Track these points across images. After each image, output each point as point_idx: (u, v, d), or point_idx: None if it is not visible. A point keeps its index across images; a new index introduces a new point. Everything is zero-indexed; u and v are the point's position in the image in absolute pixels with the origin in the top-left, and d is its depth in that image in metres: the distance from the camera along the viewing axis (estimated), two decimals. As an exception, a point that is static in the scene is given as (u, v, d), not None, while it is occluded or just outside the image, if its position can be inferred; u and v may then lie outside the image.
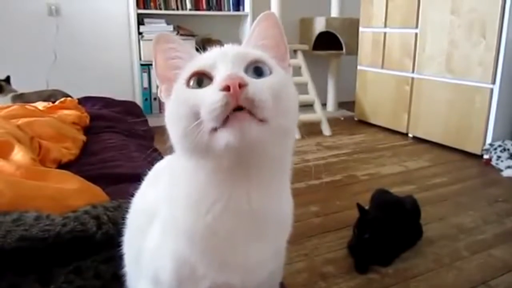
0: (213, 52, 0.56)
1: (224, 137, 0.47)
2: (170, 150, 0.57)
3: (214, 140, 0.48)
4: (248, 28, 3.77)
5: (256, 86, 0.48)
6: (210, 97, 0.48)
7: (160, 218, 0.62)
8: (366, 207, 1.68)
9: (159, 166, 0.80)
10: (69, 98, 2.06)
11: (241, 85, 0.47)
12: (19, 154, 1.23)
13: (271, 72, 0.53)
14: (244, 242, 0.56)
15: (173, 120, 0.53)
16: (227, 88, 0.47)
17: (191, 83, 0.52)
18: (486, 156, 2.71)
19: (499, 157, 2.61)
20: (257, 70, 0.53)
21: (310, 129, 3.39)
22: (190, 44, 3.58)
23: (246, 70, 0.52)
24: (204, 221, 0.54)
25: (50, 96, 2.34)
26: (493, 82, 2.67)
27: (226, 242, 0.55)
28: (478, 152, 2.79)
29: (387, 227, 1.56)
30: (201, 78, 0.52)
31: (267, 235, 0.57)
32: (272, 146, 0.51)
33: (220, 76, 0.50)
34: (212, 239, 0.55)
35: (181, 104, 0.51)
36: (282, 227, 0.61)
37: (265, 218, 0.56)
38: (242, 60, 0.53)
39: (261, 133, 0.48)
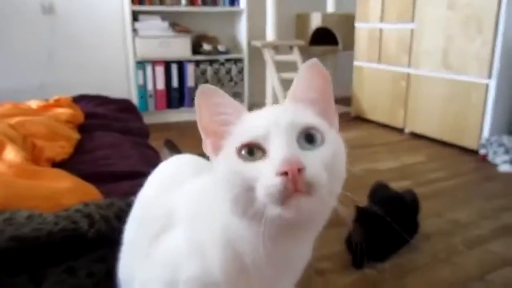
0: (265, 119, 0.54)
1: (278, 212, 0.48)
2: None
3: (267, 212, 0.49)
4: (244, 25, 3.76)
5: (313, 168, 0.48)
6: (267, 178, 0.48)
7: (183, 235, 0.63)
8: (362, 204, 1.68)
9: (169, 168, 0.82)
10: (63, 97, 2.04)
11: (299, 169, 0.47)
12: (11, 154, 1.22)
13: (323, 139, 0.53)
14: (275, 283, 0.60)
15: (224, 185, 0.53)
16: (285, 173, 0.47)
17: (243, 152, 0.52)
18: (482, 151, 2.70)
19: (495, 152, 2.61)
20: (309, 137, 0.52)
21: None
22: (186, 40, 3.56)
23: (298, 138, 0.52)
24: (240, 264, 0.57)
25: None
26: (489, 77, 2.66)
27: (258, 283, 0.58)
28: (475, 147, 2.79)
29: (386, 223, 1.55)
30: (252, 148, 0.52)
31: (296, 276, 0.62)
32: (321, 213, 0.54)
33: (275, 154, 0.49)
34: (246, 280, 0.58)
35: (233, 175, 0.51)
36: (306, 263, 0.63)
37: (299, 264, 0.61)
38: (295, 129, 0.52)
39: (314, 207, 0.49)
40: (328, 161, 0.51)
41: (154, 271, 0.65)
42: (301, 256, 0.60)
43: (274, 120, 0.52)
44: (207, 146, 0.57)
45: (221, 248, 0.57)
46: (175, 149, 1.20)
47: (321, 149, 0.52)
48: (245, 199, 0.49)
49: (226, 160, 0.53)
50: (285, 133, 0.51)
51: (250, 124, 0.54)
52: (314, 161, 0.49)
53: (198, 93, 0.56)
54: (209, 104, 0.57)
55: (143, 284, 0.67)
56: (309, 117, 0.55)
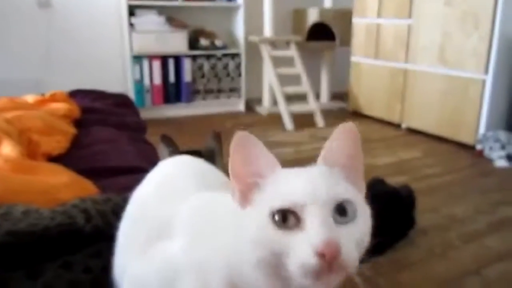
0: (302, 185, 0.53)
1: (308, 284, 0.48)
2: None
3: (296, 280, 0.49)
4: (241, 20, 3.75)
5: (348, 249, 0.49)
6: (303, 255, 0.48)
7: (183, 250, 0.62)
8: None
9: (170, 170, 0.81)
10: (59, 91, 2.03)
11: (336, 252, 0.47)
12: (7, 148, 1.22)
13: (354, 212, 0.53)
14: None
15: (252, 243, 0.52)
16: (322, 254, 0.47)
17: (276, 217, 0.51)
18: (478, 147, 2.71)
19: (491, 147, 2.62)
20: (342, 209, 0.52)
21: (303, 121, 3.38)
22: (183, 35, 3.55)
23: (333, 211, 0.51)
24: None
25: None
26: (486, 73, 2.67)
27: None
28: (471, 143, 2.79)
29: (383, 219, 1.56)
30: (287, 215, 0.51)
31: None
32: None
33: (315, 231, 0.48)
34: None
35: (264, 239, 0.50)
36: None
37: None
38: (332, 202, 0.51)
39: (341, 279, 0.50)
40: (360, 238, 0.52)
41: (148, 276, 0.64)
42: None
43: (312, 189, 0.52)
44: (235, 194, 0.56)
45: (222, 274, 0.57)
46: (172, 144, 1.19)
47: (354, 225, 0.52)
48: (273, 264, 0.49)
49: (258, 220, 0.52)
50: (323, 206, 0.51)
51: (286, 188, 0.53)
52: (349, 240, 0.50)
53: (234, 140, 0.55)
54: (244, 152, 0.55)
55: (134, 281, 0.67)
56: (345, 189, 0.54)
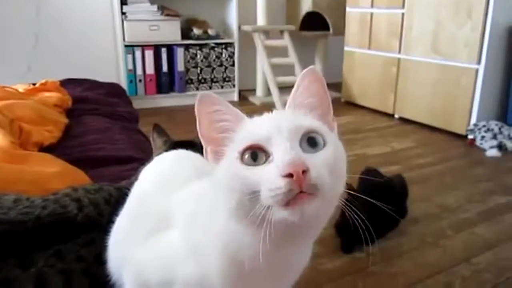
0: (266, 123, 0.55)
1: (283, 215, 0.48)
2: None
3: (271, 215, 0.49)
4: (234, 9, 3.72)
5: (316, 170, 0.49)
6: (272, 181, 0.48)
7: (180, 237, 0.63)
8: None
9: (168, 165, 0.82)
10: (50, 80, 2.01)
11: (304, 171, 0.47)
12: (-3, 137, 1.21)
13: (324, 142, 0.53)
14: (274, 285, 0.61)
15: (226, 191, 0.53)
16: (289, 175, 0.47)
17: (246, 157, 0.52)
18: (470, 137, 2.73)
19: (483, 137, 2.64)
20: (311, 140, 0.53)
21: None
22: (175, 24, 3.52)
23: (300, 142, 0.52)
24: (238, 268, 0.57)
25: None
26: (479, 63, 2.68)
27: (255, 285, 0.60)
28: (463, 133, 2.81)
29: (375, 209, 1.56)
30: (255, 152, 0.52)
31: (292, 279, 0.64)
32: (324, 215, 0.55)
33: (279, 158, 0.49)
34: (243, 284, 0.59)
35: (236, 180, 0.51)
36: (304, 266, 0.64)
37: (299, 266, 0.63)
38: (297, 133, 0.52)
39: (319, 208, 0.49)
40: (330, 162, 0.51)
41: (149, 263, 0.65)
42: (301, 258, 0.62)
43: (277, 124, 0.53)
44: (207, 154, 0.58)
45: (219, 252, 0.58)
46: (164, 134, 1.19)
47: (323, 151, 0.52)
48: (248, 203, 0.50)
49: (229, 166, 0.53)
50: (288, 136, 0.51)
51: (252, 129, 0.55)
52: (317, 163, 0.50)
53: (197, 101, 0.56)
54: (208, 111, 0.57)
55: (136, 270, 0.67)
56: (310, 121, 0.56)
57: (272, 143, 0.51)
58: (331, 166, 0.51)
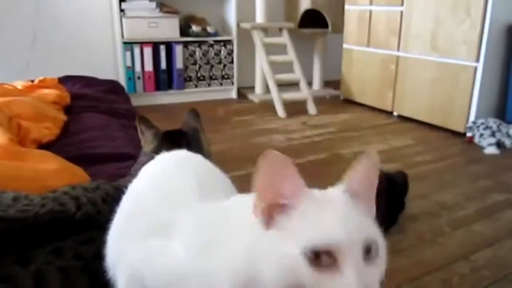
0: (335, 224, 0.52)
1: None
2: None
3: None
4: (233, 6, 3.71)
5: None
6: None
7: (186, 258, 0.62)
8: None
9: (169, 167, 0.80)
10: (49, 77, 2.01)
11: None
12: (-4, 135, 1.21)
13: (378, 252, 0.54)
14: None
15: (270, 267, 0.52)
16: None
17: (309, 255, 0.50)
18: (469, 134, 2.73)
19: (481, 134, 2.64)
20: (369, 248, 0.53)
21: (295, 108, 3.38)
22: (174, 21, 3.52)
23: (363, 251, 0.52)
24: None
25: None
26: (477, 61, 2.68)
27: None
28: (462, 130, 2.81)
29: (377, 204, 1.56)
30: (319, 252, 0.50)
31: None
32: None
33: (352, 279, 0.49)
34: None
35: (291, 274, 0.50)
36: None
37: None
38: (363, 243, 0.52)
39: None
40: (382, 276, 0.53)
41: (148, 273, 0.65)
42: None
43: (346, 229, 0.52)
44: (258, 211, 0.56)
45: (230, 286, 0.57)
46: (152, 125, 1.18)
47: (379, 264, 0.53)
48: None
49: (284, 249, 0.52)
50: (356, 248, 0.51)
51: (319, 224, 0.53)
52: (375, 281, 0.51)
53: (263, 158, 0.53)
54: (271, 172, 0.54)
55: (131, 272, 0.67)
56: (373, 228, 0.56)
57: (341, 251, 0.50)
58: (382, 278, 0.53)
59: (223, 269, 0.57)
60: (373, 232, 0.55)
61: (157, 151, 1.06)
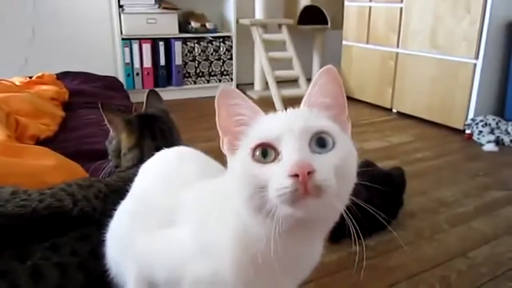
0: (279, 121, 0.56)
1: (289, 211, 0.50)
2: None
3: (279, 211, 0.51)
4: (232, 2, 3.70)
5: (323, 171, 0.50)
6: (278, 180, 0.50)
7: (190, 235, 0.64)
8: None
9: (170, 161, 0.82)
10: (47, 73, 2.00)
11: (309, 172, 0.49)
12: (-6, 130, 1.20)
13: (334, 143, 0.54)
14: (283, 281, 0.63)
15: (238, 183, 0.55)
16: (295, 176, 0.48)
17: (257, 153, 0.53)
18: (468, 131, 2.73)
19: (480, 131, 2.64)
20: (321, 140, 0.54)
21: (294, 105, 3.34)
22: (173, 17, 3.51)
23: (310, 142, 0.53)
24: (250, 262, 0.58)
25: None
26: (477, 58, 2.67)
27: (266, 280, 0.61)
28: (461, 127, 2.81)
29: (375, 202, 1.56)
30: (266, 150, 0.53)
31: (303, 275, 0.66)
32: (330, 215, 0.57)
33: (287, 158, 0.51)
34: (256, 279, 0.60)
35: (247, 176, 0.53)
36: (314, 264, 0.66)
37: (307, 265, 0.65)
38: (307, 133, 0.54)
39: (323, 209, 0.52)
40: (338, 165, 0.52)
41: (156, 265, 0.66)
42: (310, 256, 0.64)
43: (288, 124, 0.54)
44: (223, 145, 0.60)
45: (232, 247, 0.59)
46: (117, 111, 1.17)
47: (332, 153, 0.53)
48: (258, 198, 0.51)
49: (241, 161, 0.55)
50: (298, 136, 0.53)
51: (265, 126, 0.56)
52: (324, 165, 0.51)
53: (218, 94, 0.58)
54: (227, 104, 0.59)
55: (140, 265, 0.68)
56: (322, 122, 0.57)
57: (282, 142, 0.52)
58: (339, 168, 0.52)
59: (221, 237, 0.60)
60: (323, 124, 0.56)
61: (140, 143, 1.06)
